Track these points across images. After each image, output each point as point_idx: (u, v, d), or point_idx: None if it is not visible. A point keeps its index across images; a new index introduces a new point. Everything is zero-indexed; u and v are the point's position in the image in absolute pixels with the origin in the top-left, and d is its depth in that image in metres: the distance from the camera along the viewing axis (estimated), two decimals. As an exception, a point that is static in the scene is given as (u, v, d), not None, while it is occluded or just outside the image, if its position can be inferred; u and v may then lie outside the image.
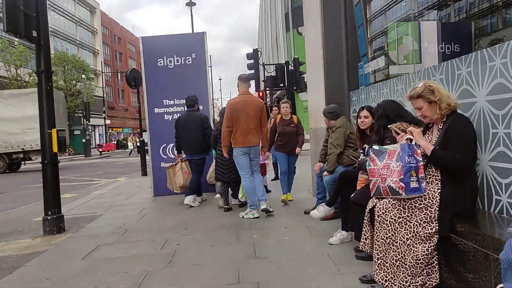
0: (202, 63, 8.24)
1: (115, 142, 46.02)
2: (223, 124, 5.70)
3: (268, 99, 17.31)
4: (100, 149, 35.25)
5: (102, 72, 49.72)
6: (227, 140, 5.70)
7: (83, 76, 34.54)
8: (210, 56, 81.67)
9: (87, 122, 31.91)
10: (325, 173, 5.03)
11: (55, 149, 5.69)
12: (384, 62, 5.15)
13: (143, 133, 12.62)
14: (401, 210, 2.76)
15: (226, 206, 6.34)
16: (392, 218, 2.77)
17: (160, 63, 8.24)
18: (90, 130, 44.49)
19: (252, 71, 15.37)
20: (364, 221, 3.05)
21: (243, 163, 5.67)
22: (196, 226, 5.45)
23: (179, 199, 7.68)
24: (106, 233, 5.44)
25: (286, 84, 15.37)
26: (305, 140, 6.85)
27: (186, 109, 7.30)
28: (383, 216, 2.82)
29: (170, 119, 8.25)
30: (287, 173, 6.66)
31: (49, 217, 5.64)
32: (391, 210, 2.79)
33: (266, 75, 16.02)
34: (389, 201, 2.82)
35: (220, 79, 79.54)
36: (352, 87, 5.77)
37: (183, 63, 8.25)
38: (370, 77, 5.64)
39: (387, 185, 2.77)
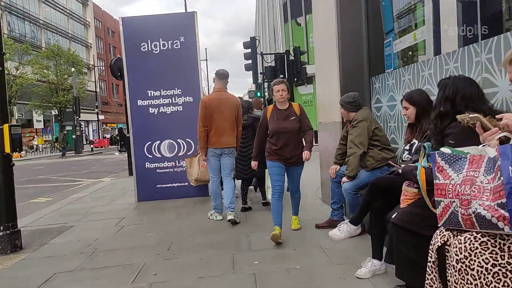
0: (193, 48, 7.14)
1: (109, 137, 44.80)
2: (198, 123, 5.29)
3: (266, 93, 16.25)
4: (91, 146, 34.08)
5: (95, 66, 48.36)
6: (204, 141, 5.27)
7: (73, 69, 33.22)
8: (206, 49, 79.54)
9: (77, 117, 30.67)
10: (344, 179, 3.98)
11: (7, 149, 4.60)
12: (425, 35, 4.06)
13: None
14: (498, 254, 1.71)
15: (245, 206, 5.86)
16: (483, 266, 1.72)
17: (144, 48, 7.13)
18: (82, 126, 43.42)
19: (250, 62, 14.27)
20: (429, 264, 1.99)
21: (212, 165, 5.33)
22: (183, 244, 4.39)
23: (166, 205, 6.61)
24: (71, 252, 4.38)
25: (286, 76, 14.26)
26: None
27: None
28: (466, 262, 1.76)
29: (155, 113, 7.16)
30: (291, 192, 4.59)
31: (0, 233, 4.56)
32: (481, 253, 1.73)
33: (264, 65, 14.89)
34: (475, 237, 1.77)
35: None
36: (374, 71, 4.69)
37: (170, 47, 7.14)
38: (400, 57, 4.54)
39: (474, 212, 1.72)
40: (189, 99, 7.19)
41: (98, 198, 8.02)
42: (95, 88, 41.48)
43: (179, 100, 7.19)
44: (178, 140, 7.21)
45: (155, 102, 7.16)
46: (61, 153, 27.45)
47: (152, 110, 7.17)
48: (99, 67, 50.57)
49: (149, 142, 7.18)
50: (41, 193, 9.93)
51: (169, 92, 7.15)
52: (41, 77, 33.11)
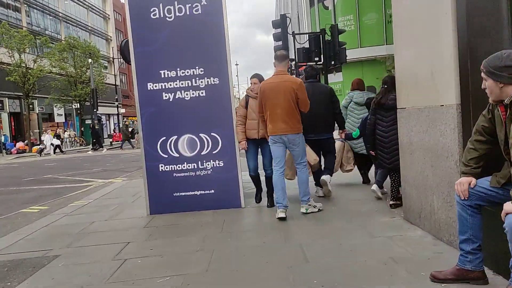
0: (218, 14, 5.40)
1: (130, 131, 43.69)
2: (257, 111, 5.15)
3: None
4: (110, 140, 32.99)
5: (114, 59, 47.32)
6: (264, 128, 5.15)
7: (90, 60, 32.03)
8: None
9: (95, 110, 29.48)
10: (509, 207, 2.17)
11: None
12: None
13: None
14: None
15: (393, 202, 4.93)
16: None
17: (155, 15, 5.44)
18: (103, 120, 42.42)
19: (280, 43, 12.43)
20: None
21: (274, 152, 4.97)
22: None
23: (186, 221, 4.95)
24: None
25: (321, 59, 12.37)
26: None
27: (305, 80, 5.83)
28: None
29: (171, 99, 5.48)
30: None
31: None
32: None
33: (297, 47, 13.01)
34: None
35: (237, 64, 75.29)
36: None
37: (188, 13, 5.42)
38: None
39: None
40: (214, 81, 5.48)
41: (102, 207, 6.43)
42: (115, 81, 40.36)
43: (201, 82, 5.49)
44: (201, 135, 5.53)
45: (170, 85, 5.48)
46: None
47: (166, 96, 5.49)
48: (118, 59, 49.62)
49: (163, 138, 5.52)
50: (40, 198, 8.44)
51: (188, 72, 5.46)
52: (60, 69, 32.07)
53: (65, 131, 36.09)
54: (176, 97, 5.47)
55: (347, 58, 12.49)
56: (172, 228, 4.83)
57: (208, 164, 5.53)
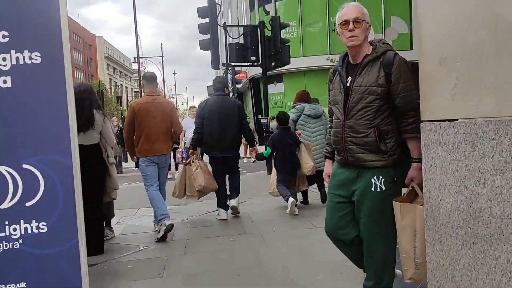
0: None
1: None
2: (124, 130, 5.38)
3: (230, 86, 11.73)
4: None
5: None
6: (130, 148, 5.23)
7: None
8: (161, 44, 76.45)
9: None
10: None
11: None
12: None
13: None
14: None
15: None
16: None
17: None
18: None
19: (207, 36, 9.79)
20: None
21: (150, 172, 5.11)
22: None
23: None
24: None
25: (260, 58, 9.87)
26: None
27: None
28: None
29: None
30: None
31: None
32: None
33: (229, 43, 10.42)
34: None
35: (174, 73, 71.71)
36: None
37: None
38: None
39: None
40: (33, 59, 2.68)
41: None
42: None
43: (3, 60, 2.67)
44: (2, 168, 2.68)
45: None
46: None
47: None
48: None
49: None
50: None
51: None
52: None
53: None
54: None
55: (282, 70, 10.17)
56: None
57: (14, 229, 2.68)
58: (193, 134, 5.95)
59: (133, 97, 65.01)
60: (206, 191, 5.69)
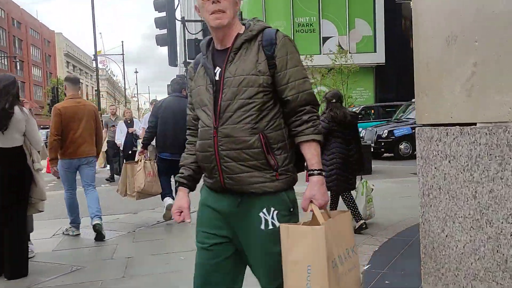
0: None
1: None
2: (50, 133, 5.08)
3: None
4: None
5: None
6: (56, 153, 5.03)
7: None
8: (122, 42, 74.69)
9: None
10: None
11: None
12: None
13: None
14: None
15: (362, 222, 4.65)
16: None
17: None
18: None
19: (164, 31, 9.06)
20: None
21: (68, 178, 5.20)
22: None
23: None
24: None
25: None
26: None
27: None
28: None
29: None
30: None
31: None
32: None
33: (187, 38, 9.68)
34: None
35: (136, 72, 69.49)
36: None
37: None
38: None
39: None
40: None
41: None
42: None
43: None
44: None
45: None
46: None
47: None
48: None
49: None
50: None
51: None
52: None
53: None
54: None
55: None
56: None
57: None
58: (145, 133, 5.91)
59: (93, 95, 62.69)
60: (145, 193, 5.58)
